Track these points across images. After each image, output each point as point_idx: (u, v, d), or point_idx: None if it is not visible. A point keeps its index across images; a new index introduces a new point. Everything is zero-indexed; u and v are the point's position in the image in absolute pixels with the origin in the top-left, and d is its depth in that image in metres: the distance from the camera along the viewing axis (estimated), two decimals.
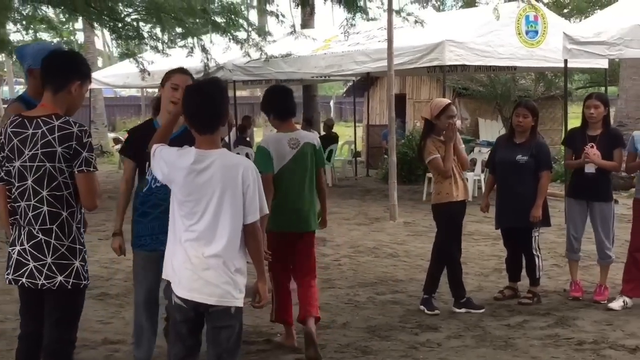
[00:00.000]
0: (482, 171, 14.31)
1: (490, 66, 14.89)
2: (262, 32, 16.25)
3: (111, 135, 27.39)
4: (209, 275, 3.73)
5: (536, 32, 13.22)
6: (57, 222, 3.94)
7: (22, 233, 3.97)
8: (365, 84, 22.01)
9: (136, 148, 4.81)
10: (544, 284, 7.69)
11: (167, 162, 3.89)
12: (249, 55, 15.73)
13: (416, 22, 10.70)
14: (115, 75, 20.39)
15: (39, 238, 3.93)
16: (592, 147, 7.00)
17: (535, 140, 7.13)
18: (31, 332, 4.18)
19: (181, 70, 4.94)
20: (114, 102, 40.94)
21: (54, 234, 3.93)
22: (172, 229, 3.88)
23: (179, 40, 16.34)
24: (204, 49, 15.64)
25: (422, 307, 6.82)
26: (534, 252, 7.14)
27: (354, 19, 10.78)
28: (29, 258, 3.93)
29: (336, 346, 5.81)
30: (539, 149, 7.08)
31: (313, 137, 5.89)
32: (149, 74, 16.40)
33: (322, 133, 18.41)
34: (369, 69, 15.03)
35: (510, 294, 7.30)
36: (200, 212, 3.75)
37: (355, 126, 20.85)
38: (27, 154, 3.91)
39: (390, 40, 11.92)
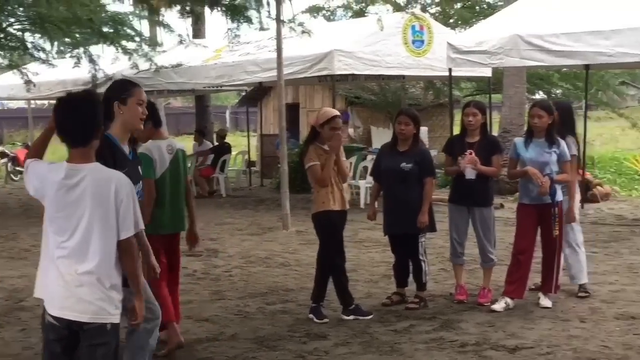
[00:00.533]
0: None
1: (380, 75, 15.12)
2: (152, 42, 16.08)
3: None
4: (82, 292, 3.65)
5: (422, 41, 13.53)
6: None
7: None
8: (258, 93, 22.01)
9: None
10: (431, 288, 7.85)
11: (38, 176, 3.79)
12: (137, 67, 15.52)
13: (303, 32, 10.80)
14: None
15: None
16: (470, 153, 7.19)
17: (418, 148, 7.28)
18: None
19: (138, 85, 4.82)
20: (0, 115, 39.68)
21: None
22: (45, 246, 3.78)
23: (68, 50, 15.97)
24: (91, 60, 15.35)
25: (311, 315, 6.85)
26: (421, 258, 7.28)
27: (238, 29, 10.78)
28: None
29: (223, 359, 5.78)
30: (422, 156, 7.24)
31: (181, 145, 6.22)
32: (34, 85, 15.96)
33: (215, 143, 18.30)
34: (259, 79, 15.05)
35: (398, 299, 7.42)
36: (71, 229, 3.67)
37: (249, 136, 20.82)
38: None
39: (279, 50, 11.97)
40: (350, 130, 22.03)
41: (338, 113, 6.97)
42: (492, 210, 7.45)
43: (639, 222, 12.29)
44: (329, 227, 6.86)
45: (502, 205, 13.21)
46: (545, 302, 7.17)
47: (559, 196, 7.12)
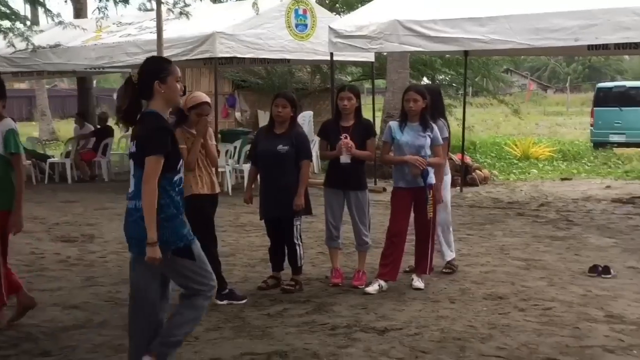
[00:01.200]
0: None
1: (265, 59, 15.03)
2: (28, 21, 15.50)
3: None
4: None
5: (305, 25, 13.53)
6: None
7: None
8: None
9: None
10: (307, 271, 7.87)
11: None
12: (14, 46, 14.94)
13: (181, 13, 10.60)
14: None
15: None
16: (345, 137, 7.23)
17: (295, 130, 7.26)
18: None
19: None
20: None
21: None
22: None
23: None
24: None
25: None
26: (295, 241, 7.28)
27: (106, 9, 10.50)
28: None
29: (89, 346, 5.62)
30: (298, 138, 7.22)
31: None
32: None
33: (98, 126, 17.83)
34: (140, 61, 14.64)
35: (273, 283, 7.40)
36: None
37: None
38: None
39: (159, 32, 11.74)
40: (237, 114, 21.93)
41: (208, 100, 6.84)
42: (367, 193, 7.52)
43: (514, 205, 12.67)
44: (198, 212, 6.75)
45: (384, 189, 13.42)
46: (418, 283, 7.30)
47: (432, 179, 7.26)
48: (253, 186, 7.49)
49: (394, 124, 7.36)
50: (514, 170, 17.89)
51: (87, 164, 16.95)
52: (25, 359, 5.37)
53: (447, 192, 7.93)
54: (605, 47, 11.60)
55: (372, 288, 7.17)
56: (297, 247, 7.30)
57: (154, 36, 12.64)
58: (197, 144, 6.66)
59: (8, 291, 6.16)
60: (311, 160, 7.50)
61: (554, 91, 69.19)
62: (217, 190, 6.95)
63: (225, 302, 6.79)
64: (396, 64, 15.97)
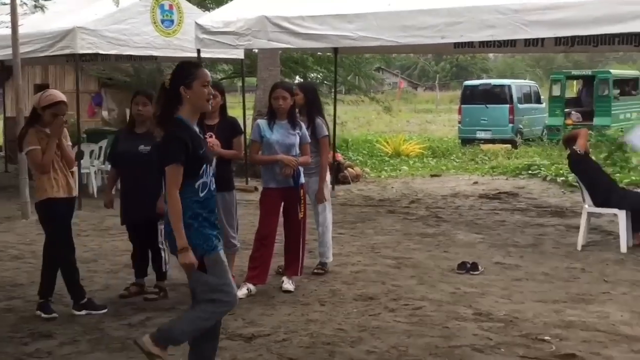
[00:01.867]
0: None
1: (132, 55, 14.48)
2: None
3: None
4: None
5: (172, 21, 13.12)
6: None
7: None
8: (1, 73, 20.50)
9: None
10: (175, 277, 7.54)
11: None
12: None
13: (36, 7, 10.03)
14: None
15: None
16: (211, 136, 6.95)
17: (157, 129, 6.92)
18: None
19: (201, 66, 4.80)
20: None
21: None
22: None
23: None
24: None
25: (38, 312, 6.32)
26: (161, 246, 6.96)
27: None
28: None
29: None
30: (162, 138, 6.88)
31: None
32: None
33: None
34: None
35: (136, 290, 7.05)
36: None
37: None
38: None
39: (14, 26, 11.08)
40: (104, 113, 21.17)
41: (64, 98, 6.42)
42: (234, 194, 7.26)
43: (385, 202, 12.69)
44: (54, 216, 6.35)
45: (256, 189, 13.17)
46: (289, 285, 7.11)
47: (303, 178, 7.10)
48: (114, 190, 7.12)
49: (262, 122, 7.14)
50: (386, 168, 18.02)
51: None
52: None
53: (328, 191, 7.83)
54: (470, 45, 11.76)
55: (241, 292, 6.89)
56: (162, 252, 6.98)
57: (10, 31, 11.94)
58: (52, 145, 6.25)
59: None
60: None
61: (424, 89, 70.78)
62: (75, 193, 6.55)
63: (83, 312, 6.41)
64: (267, 61, 15.75)
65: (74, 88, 20.99)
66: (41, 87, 22.12)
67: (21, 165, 11.37)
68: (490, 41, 11.15)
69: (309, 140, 7.17)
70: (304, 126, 7.14)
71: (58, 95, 6.48)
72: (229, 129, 7.10)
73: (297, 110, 7.17)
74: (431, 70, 74.63)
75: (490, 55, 79.65)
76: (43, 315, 6.26)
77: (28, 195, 11.21)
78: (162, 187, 6.70)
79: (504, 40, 11.22)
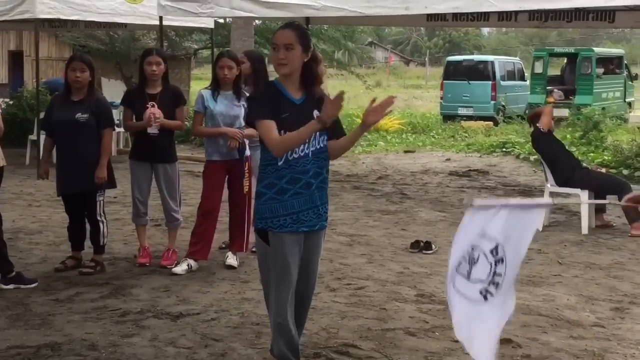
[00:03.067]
0: None
1: (100, 22, 14.13)
2: None
3: None
4: None
5: None
6: None
7: None
8: None
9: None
10: (117, 250, 7.35)
11: None
12: None
13: None
14: None
15: None
16: (152, 106, 6.69)
17: (95, 97, 6.65)
18: None
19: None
20: None
21: None
22: None
23: None
24: None
25: None
26: (99, 218, 6.71)
27: None
28: None
29: None
30: (99, 105, 6.60)
31: None
32: None
33: None
34: None
35: (73, 264, 6.80)
36: None
37: None
38: None
39: None
40: None
41: None
42: (176, 166, 7.01)
43: (352, 178, 12.45)
44: None
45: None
46: (232, 261, 6.88)
47: (248, 151, 6.83)
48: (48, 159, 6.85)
49: (206, 92, 6.84)
50: (362, 143, 17.71)
51: None
52: None
53: None
54: (443, 17, 11.44)
55: (180, 268, 6.68)
56: (101, 225, 6.73)
57: None
58: None
59: None
60: (114, 129, 6.87)
61: (416, 64, 70.36)
62: (3, 163, 6.26)
63: (11, 286, 6.15)
64: (240, 31, 15.38)
65: (48, 55, 20.83)
66: (15, 54, 21.82)
67: None
68: (462, 14, 10.89)
69: None
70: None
71: None
72: (172, 98, 6.84)
73: (243, 80, 6.87)
74: (424, 46, 74.13)
75: (484, 31, 79.33)
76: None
77: None
78: (99, 156, 6.49)
79: (477, 14, 10.97)
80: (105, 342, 4.94)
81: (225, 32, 18.13)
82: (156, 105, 6.72)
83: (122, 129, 10.92)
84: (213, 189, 6.84)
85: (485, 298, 3.07)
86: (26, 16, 11.73)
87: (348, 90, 31.65)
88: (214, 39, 15.43)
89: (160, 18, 10.98)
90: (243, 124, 6.70)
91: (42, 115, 12.70)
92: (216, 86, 6.77)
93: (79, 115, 6.49)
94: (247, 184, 6.83)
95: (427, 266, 6.94)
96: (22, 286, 6.18)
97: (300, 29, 4.25)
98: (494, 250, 3.07)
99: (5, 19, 11.96)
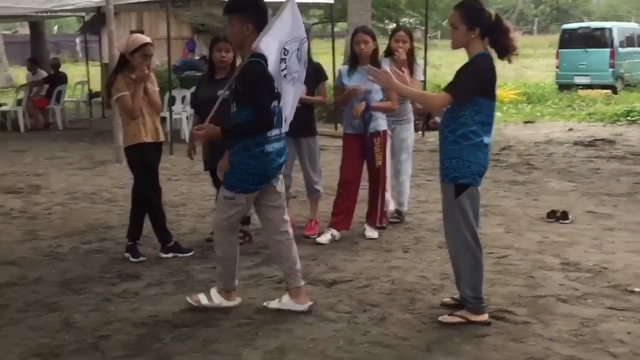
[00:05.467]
0: None
1: (223, 0, 14.49)
2: None
3: None
4: None
5: None
6: None
7: None
8: (99, 20, 20.93)
9: None
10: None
11: None
12: None
13: None
14: None
15: None
16: None
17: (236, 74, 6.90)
18: None
19: None
20: None
21: None
22: None
23: None
24: None
25: (127, 254, 6.47)
26: None
27: None
28: None
29: (20, 305, 5.32)
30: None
31: None
32: None
33: (51, 73, 17.27)
34: (91, 4, 14.19)
35: None
36: None
37: (87, 65, 19.80)
38: None
39: None
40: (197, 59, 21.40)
41: (149, 40, 6.46)
42: (317, 139, 7.23)
43: None
44: (142, 161, 6.44)
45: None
46: (371, 233, 7.08)
47: (381, 125, 6.98)
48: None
49: (343, 68, 7.10)
50: None
51: (41, 111, 16.45)
52: None
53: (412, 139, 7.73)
54: None
55: (324, 238, 6.93)
56: None
57: None
58: (140, 90, 6.33)
59: None
60: None
61: (522, 33, 68.82)
62: (162, 138, 6.63)
63: (170, 255, 6.53)
64: (357, 5, 15.53)
65: (166, 34, 21.40)
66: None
67: (114, 111, 11.61)
68: None
69: None
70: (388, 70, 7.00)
71: (143, 37, 6.54)
72: (314, 75, 7.03)
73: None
74: (530, 14, 72.45)
75: None
76: (132, 258, 6.41)
77: (121, 140, 11.44)
78: None
79: None
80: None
81: (340, 6, 18.28)
82: None
83: None
84: (349, 162, 7.04)
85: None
86: None
87: (456, 61, 31.32)
88: (333, 13, 15.56)
89: None
90: (377, 98, 6.87)
91: (173, 93, 13.24)
92: (353, 61, 6.95)
93: (220, 92, 6.75)
94: (380, 158, 7.00)
95: (567, 235, 6.98)
96: (180, 255, 6.54)
97: (462, 8, 4.68)
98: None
99: (138, 0, 12.44)
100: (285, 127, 5.24)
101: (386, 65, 7.20)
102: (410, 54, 7.34)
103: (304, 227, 7.26)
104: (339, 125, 14.18)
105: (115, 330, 4.82)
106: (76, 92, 18.81)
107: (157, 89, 6.63)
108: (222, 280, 5.19)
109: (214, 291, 5.21)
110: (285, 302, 5.15)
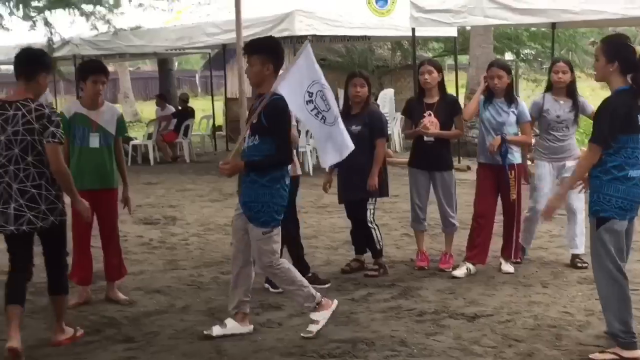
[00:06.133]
0: None
1: (345, 36, 14.78)
2: (114, 4, 15.57)
3: None
4: None
5: (386, 1, 13.20)
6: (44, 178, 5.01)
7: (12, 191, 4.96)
8: (224, 56, 21.56)
9: None
10: (392, 254, 7.66)
11: None
12: (96, 29, 15.06)
13: None
14: None
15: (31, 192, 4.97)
16: (429, 115, 6.97)
17: (369, 109, 7.00)
18: (22, 267, 5.12)
19: None
20: None
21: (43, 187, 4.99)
22: None
23: (34, 14, 15.45)
24: (46, 23, 14.85)
25: (266, 285, 6.61)
26: (370, 225, 7.01)
27: None
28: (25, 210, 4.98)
29: (171, 332, 5.53)
30: (372, 117, 6.94)
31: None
32: None
33: (179, 108, 17.91)
34: (220, 41, 14.67)
35: (357, 266, 7.21)
36: None
37: (213, 100, 20.42)
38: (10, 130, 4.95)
39: (238, 11, 11.53)
40: None
41: None
42: (453, 173, 7.23)
43: None
44: None
45: (468, 168, 13.07)
46: (507, 267, 7.02)
47: (516, 158, 6.94)
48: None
49: (481, 99, 7.08)
50: None
51: (169, 145, 17.04)
52: (108, 345, 5.30)
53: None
54: None
55: (460, 271, 6.91)
56: (372, 231, 7.04)
57: (233, 16, 12.50)
58: None
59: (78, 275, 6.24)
60: (387, 139, 7.18)
61: None
62: (299, 172, 6.77)
63: None
64: (479, 38, 15.51)
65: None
66: None
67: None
68: None
69: (529, 119, 6.97)
70: (522, 103, 6.99)
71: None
72: (450, 107, 7.08)
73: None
74: None
75: None
76: (271, 289, 6.55)
77: None
78: (371, 165, 6.83)
79: None
80: (412, 339, 5.25)
81: (461, 39, 18.25)
82: (432, 114, 6.99)
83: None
84: (483, 194, 7.02)
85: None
86: (285, 34, 12.50)
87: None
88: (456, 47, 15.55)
89: (413, 30, 11.31)
90: (511, 131, 6.84)
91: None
92: (489, 94, 6.95)
93: (353, 127, 6.81)
94: (514, 192, 6.94)
95: None
96: (317, 286, 6.62)
97: (605, 41, 4.87)
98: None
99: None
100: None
101: (548, 102, 7.11)
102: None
103: (438, 260, 7.26)
104: (460, 158, 14.14)
105: (264, 359, 4.93)
106: (201, 126, 19.39)
107: (294, 123, 6.78)
108: (304, 297, 5.44)
109: (315, 314, 5.42)
110: (230, 327, 5.40)
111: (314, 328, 5.35)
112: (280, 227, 5.35)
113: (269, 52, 5.31)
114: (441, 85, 7.14)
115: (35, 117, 4.96)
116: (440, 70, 7.17)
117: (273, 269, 5.36)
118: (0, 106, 5.06)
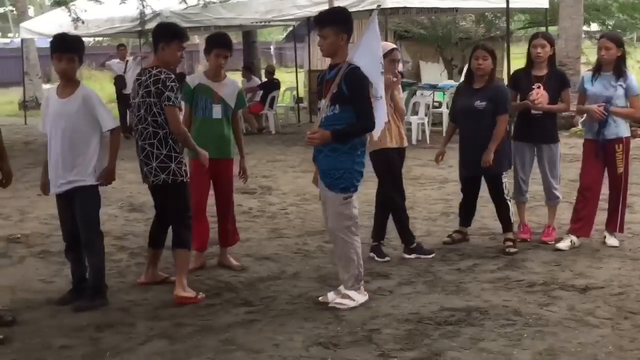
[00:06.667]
0: (425, 114, 14.29)
1: (432, 8, 14.72)
2: None
3: (46, 86, 26.27)
4: None
5: None
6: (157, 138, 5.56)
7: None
8: (306, 28, 21.65)
9: None
10: (492, 226, 7.68)
11: None
12: (186, 2, 15.31)
13: None
14: (48, 25, 19.62)
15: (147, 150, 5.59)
16: (539, 87, 6.94)
17: (494, 84, 6.90)
18: (157, 215, 6.05)
19: None
20: (48, 53, 39.49)
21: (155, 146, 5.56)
22: None
23: None
24: None
25: (372, 254, 6.73)
26: (506, 197, 7.00)
27: None
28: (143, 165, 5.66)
29: (287, 297, 5.70)
30: (496, 92, 6.84)
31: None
32: (82, 22, 15.88)
33: (264, 80, 18.11)
34: (309, 14, 14.71)
35: (459, 238, 7.27)
36: None
37: (297, 72, 20.57)
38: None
39: None
40: (400, 66, 21.72)
41: (395, 46, 6.73)
42: (558, 146, 7.21)
43: None
44: (386, 165, 6.68)
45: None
46: (612, 240, 6.99)
47: (624, 132, 6.87)
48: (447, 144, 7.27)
49: (587, 74, 7.05)
50: None
51: (255, 116, 17.26)
52: (230, 307, 5.50)
53: None
54: None
55: (564, 244, 6.91)
56: (509, 203, 7.04)
57: None
58: (387, 97, 6.54)
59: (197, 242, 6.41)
60: (508, 115, 7.00)
61: None
62: (405, 143, 6.85)
63: (413, 256, 6.74)
64: (569, 9, 15.26)
65: None
66: None
67: None
68: None
69: (636, 92, 6.88)
70: (631, 77, 6.89)
71: (388, 44, 6.84)
72: (558, 81, 7.05)
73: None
74: None
75: None
76: (377, 258, 6.67)
77: None
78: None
79: None
80: (526, 309, 5.30)
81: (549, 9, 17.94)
82: (542, 87, 6.96)
83: None
84: (589, 167, 6.97)
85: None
86: (374, 7, 12.46)
87: None
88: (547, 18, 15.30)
89: (507, 1, 11.20)
90: (620, 104, 6.78)
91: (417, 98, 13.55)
92: (597, 67, 6.89)
93: (477, 102, 6.82)
94: (621, 165, 6.88)
95: None
96: (422, 256, 6.74)
97: None
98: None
99: (357, 9, 12.82)
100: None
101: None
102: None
103: (540, 233, 7.28)
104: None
105: (383, 325, 5.06)
106: (285, 97, 19.58)
107: (401, 95, 6.85)
108: (355, 276, 5.48)
109: (353, 292, 5.47)
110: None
111: (346, 302, 5.40)
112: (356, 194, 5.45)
113: (342, 22, 5.37)
114: (551, 58, 7.10)
115: (152, 81, 5.52)
116: (552, 43, 7.12)
117: (348, 235, 5.40)
118: (140, 72, 5.81)
